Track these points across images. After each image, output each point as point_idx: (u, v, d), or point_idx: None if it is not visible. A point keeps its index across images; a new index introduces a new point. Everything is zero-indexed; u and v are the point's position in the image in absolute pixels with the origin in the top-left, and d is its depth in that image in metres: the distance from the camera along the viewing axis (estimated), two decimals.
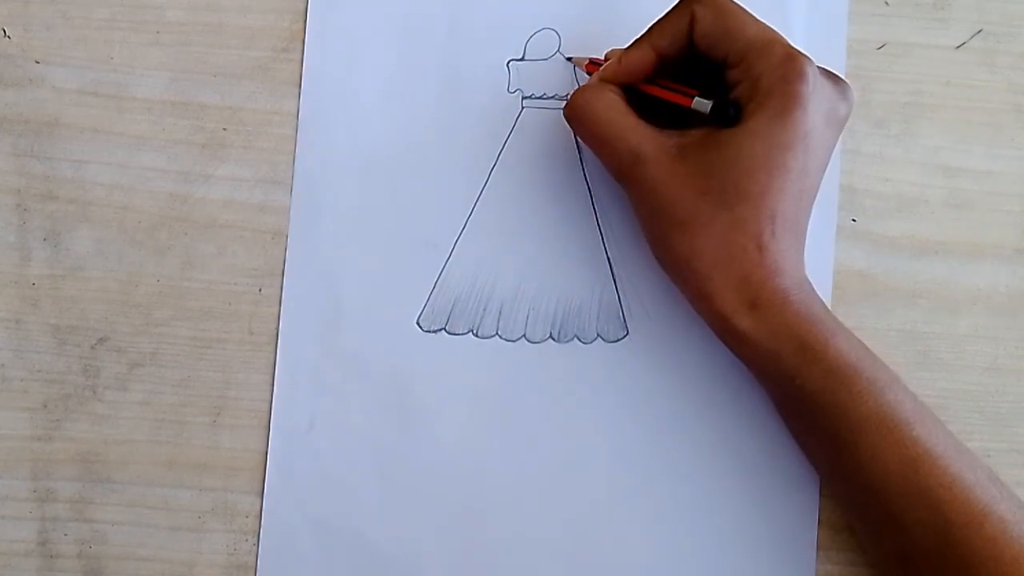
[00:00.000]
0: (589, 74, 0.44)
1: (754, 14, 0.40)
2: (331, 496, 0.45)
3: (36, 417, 0.45)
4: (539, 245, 0.46)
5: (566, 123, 0.42)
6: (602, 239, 0.46)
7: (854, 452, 0.38)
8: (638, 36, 0.41)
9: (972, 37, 0.47)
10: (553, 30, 0.46)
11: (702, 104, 0.40)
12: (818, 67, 0.39)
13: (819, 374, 0.38)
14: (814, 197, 0.40)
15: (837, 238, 0.46)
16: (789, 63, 0.38)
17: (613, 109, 0.40)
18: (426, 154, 0.46)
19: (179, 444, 0.45)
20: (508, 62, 0.46)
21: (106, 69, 0.46)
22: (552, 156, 0.46)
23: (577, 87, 0.44)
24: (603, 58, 0.44)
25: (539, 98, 0.46)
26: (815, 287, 0.41)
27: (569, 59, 0.46)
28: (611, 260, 0.46)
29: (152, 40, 0.47)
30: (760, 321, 0.38)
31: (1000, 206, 0.46)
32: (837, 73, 0.41)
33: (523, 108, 0.46)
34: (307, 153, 0.46)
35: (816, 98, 0.38)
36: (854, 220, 0.46)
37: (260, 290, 0.46)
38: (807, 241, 0.41)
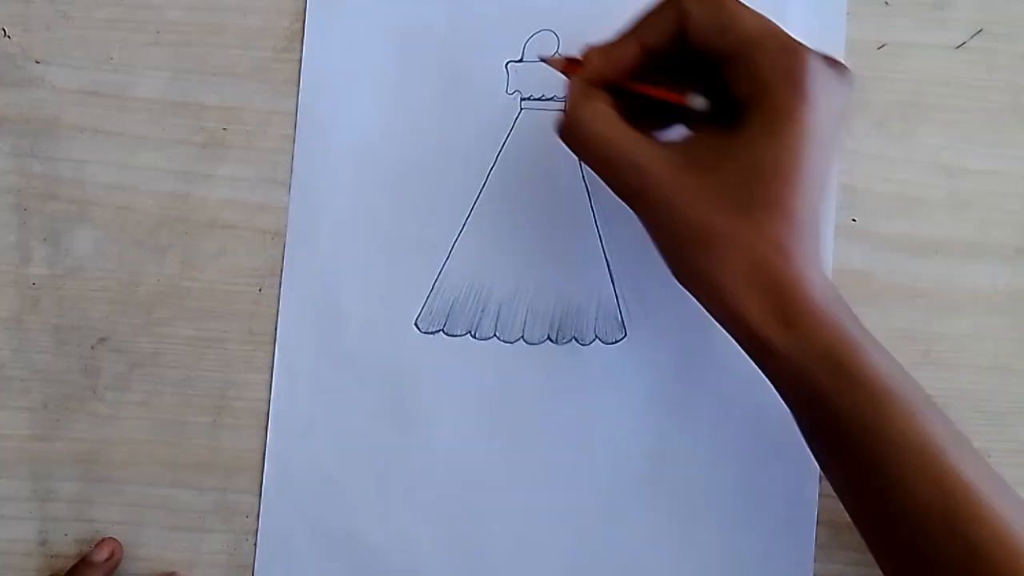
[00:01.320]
0: (565, 73, 0.42)
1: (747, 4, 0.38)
2: (329, 497, 0.45)
3: (36, 417, 0.45)
4: (537, 246, 0.46)
5: (563, 139, 0.40)
6: (600, 241, 0.46)
7: (884, 476, 0.36)
8: (622, 30, 0.39)
9: (972, 37, 0.47)
10: (552, 31, 0.46)
11: (698, 101, 0.38)
12: (818, 54, 0.37)
13: (851, 395, 0.36)
14: (826, 191, 0.38)
15: (837, 238, 0.46)
16: (791, 57, 0.36)
17: (609, 125, 0.38)
18: (424, 155, 0.46)
19: (179, 444, 0.45)
20: (507, 63, 0.46)
21: (106, 69, 0.46)
22: (550, 157, 0.46)
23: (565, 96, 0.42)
24: (580, 57, 0.42)
25: (537, 99, 0.46)
26: None
27: (544, 60, 0.43)
28: (609, 262, 0.46)
29: (152, 40, 0.47)
30: (792, 338, 0.36)
31: (1000, 206, 0.46)
32: (836, 58, 0.38)
33: (521, 109, 0.46)
34: (305, 153, 0.46)
35: (821, 90, 0.36)
36: (854, 220, 0.46)
37: (260, 290, 0.46)
38: None
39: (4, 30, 0.47)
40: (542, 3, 0.46)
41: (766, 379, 0.38)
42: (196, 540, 0.45)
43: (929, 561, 0.35)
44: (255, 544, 0.45)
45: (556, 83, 0.46)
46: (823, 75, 0.36)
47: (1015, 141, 0.46)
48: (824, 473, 0.40)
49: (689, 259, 0.38)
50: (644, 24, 0.39)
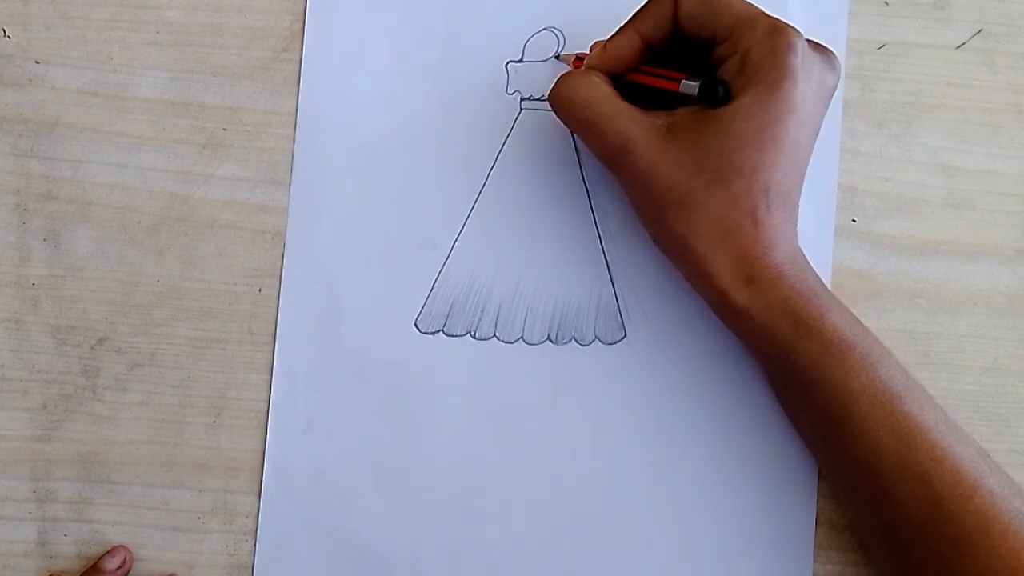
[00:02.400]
0: (575, 67, 0.44)
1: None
2: (328, 497, 0.45)
3: (36, 417, 0.45)
4: (537, 247, 0.46)
5: (553, 109, 0.42)
6: (600, 241, 0.46)
7: (846, 426, 0.38)
8: (621, 24, 0.41)
9: (972, 37, 0.47)
10: (552, 31, 0.46)
11: (690, 86, 0.39)
12: (806, 39, 0.39)
13: (813, 348, 0.38)
14: (805, 169, 0.40)
15: (837, 238, 0.46)
16: (777, 35, 0.38)
17: (598, 93, 0.40)
18: (424, 155, 0.46)
19: (179, 444, 0.45)
20: (507, 63, 0.46)
21: (106, 69, 0.46)
22: (550, 158, 0.46)
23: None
24: (589, 51, 0.43)
25: (538, 99, 0.46)
26: None
27: (557, 57, 0.46)
28: (609, 262, 0.46)
29: (152, 40, 0.47)
30: (756, 295, 0.38)
31: (1000, 206, 0.46)
32: (823, 44, 0.41)
33: (521, 110, 0.46)
34: (305, 153, 0.46)
35: (805, 69, 0.38)
36: (854, 220, 0.46)
37: (260, 290, 0.46)
38: (808, 241, 0.41)
39: (4, 30, 0.46)
40: (542, 3, 0.46)
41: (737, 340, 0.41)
42: (195, 541, 0.45)
43: (889, 500, 0.38)
44: (254, 545, 0.45)
45: None
46: (808, 56, 0.38)
47: (1015, 141, 0.46)
48: (794, 426, 0.43)
49: (665, 220, 0.39)
50: (641, 16, 0.41)
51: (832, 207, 0.46)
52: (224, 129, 0.46)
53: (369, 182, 0.46)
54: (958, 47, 0.47)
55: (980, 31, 0.47)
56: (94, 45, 0.47)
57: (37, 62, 0.46)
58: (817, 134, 0.40)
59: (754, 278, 0.38)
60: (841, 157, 0.46)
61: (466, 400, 0.45)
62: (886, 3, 0.47)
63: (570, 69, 0.45)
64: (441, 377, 0.45)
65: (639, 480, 0.45)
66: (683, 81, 0.40)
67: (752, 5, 0.39)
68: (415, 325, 0.45)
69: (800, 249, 0.40)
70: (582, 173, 0.46)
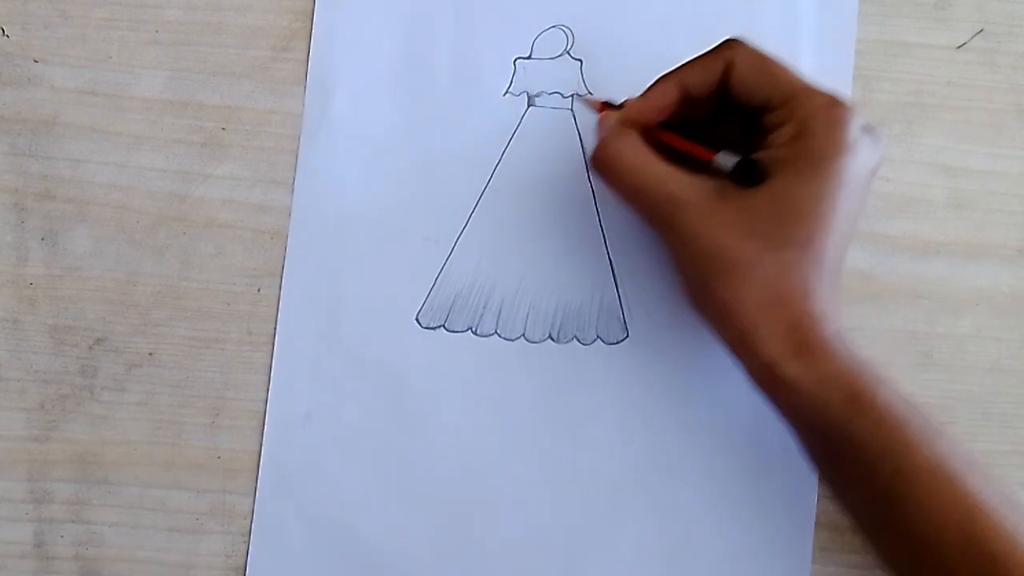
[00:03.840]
0: (600, 111, 0.43)
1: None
2: (325, 491, 0.44)
3: (33, 418, 0.45)
4: (541, 244, 0.46)
5: (595, 173, 0.41)
6: (604, 240, 0.45)
7: (907, 504, 0.36)
8: (664, 73, 0.41)
9: (973, 37, 0.47)
10: (561, 29, 0.46)
11: (725, 162, 0.39)
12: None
13: (869, 424, 0.36)
14: (852, 240, 0.40)
15: None
16: (837, 108, 0.38)
17: (643, 157, 0.40)
18: (430, 150, 0.46)
19: (177, 445, 0.45)
20: (515, 60, 0.46)
21: (105, 68, 0.46)
22: (556, 155, 0.46)
23: (597, 127, 0.43)
24: (616, 103, 0.43)
25: (545, 96, 0.46)
26: None
27: (579, 98, 0.45)
28: (612, 261, 0.45)
29: (151, 39, 0.46)
30: (808, 368, 0.37)
31: (1002, 206, 0.46)
32: (868, 121, 0.40)
33: (529, 107, 0.46)
34: (310, 148, 0.46)
35: (859, 144, 0.38)
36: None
37: (259, 290, 0.46)
38: None
39: (2, 29, 0.46)
40: (550, 0, 0.46)
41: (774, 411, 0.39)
42: (193, 542, 0.45)
43: None
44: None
45: (564, 81, 0.46)
46: (862, 131, 0.38)
47: (1016, 141, 0.46)
48: (839, 500, 0.40)
49: (710, 286, 0.38)
50: (688, 68, 0.40)
51: None
52: (223, 129, 0.46)
53: (374, 176, 0.46)
54: (959, 47, 0.47)
55: (981, 31, 0.47)
56: (93, 44, 0.46)
57: (36, 61, 0.46)
58: (863, 211, 0.40)
59: (805, 350, 0.37)
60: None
61: (466, 396, 0.45)
62: (887, 3, 0.47)
63: (592, 110, 0.44)
64: (441, 373, 0.45)
65: (639, 480, 0.44)
66: (719, 154, 0.39)
67: (804, 77, 0.39)
68: (416, 320, 0.45)
69: (842, 322, 0.39)
70: (588, 171, 0.46)
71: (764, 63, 0.39)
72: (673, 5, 0.47)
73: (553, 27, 0.46)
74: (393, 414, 0.45)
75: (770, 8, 0.46)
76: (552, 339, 0.45)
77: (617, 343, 0.45)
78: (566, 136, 0.46)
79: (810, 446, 0.40)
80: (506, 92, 0.46)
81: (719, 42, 0.40)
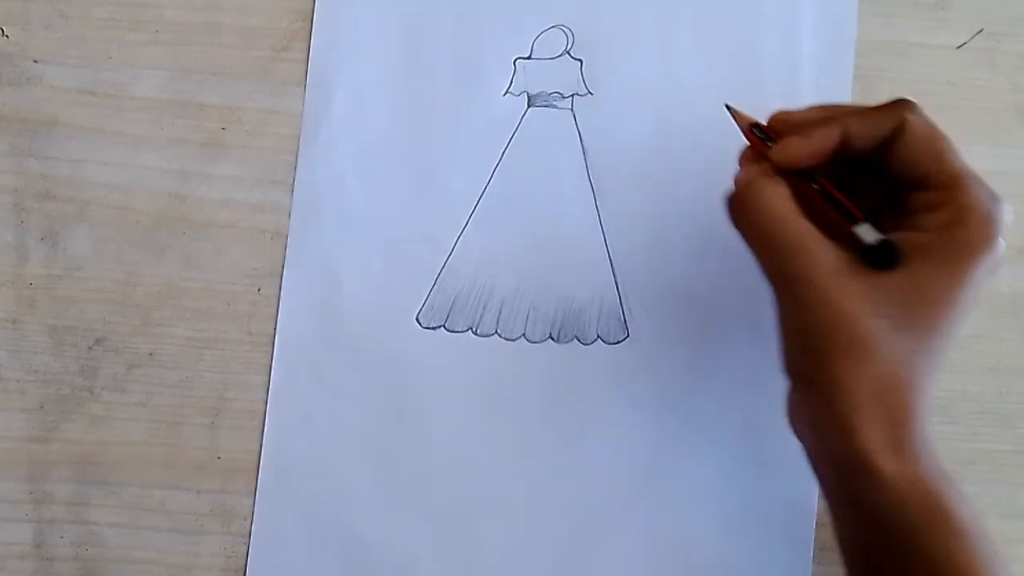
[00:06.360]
0: (747, 136, 0.40)
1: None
2: (325, 491, 0.44)
3: (33, 418, 0.45)
4: (541, 244, 0.46)
5: (729, 213, 0.38)
6: (604, 240, 0.45)
7: None
8: (826, 113, 0.38)
9: (973, 37, 0.47)
10: (561, 29, 0.46)
11: (864, 235, 0.36)
12: None
13: (945, 536, 0.35)
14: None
15: None
16: (996, 204, 0.36)
17: (787, 208, 0.36)
18: (430, 150, 0.46)
19: (177, 446, 0.45)
20: (515, 60, 0.46)
21: (104, 68, 0.46)
22: (556, 155, 0.46)
23: (740, 159, 0.40)
24: (765, 123, 0.40)
25: (545, 96, 0.46)
26: None
27: (727, 108, 0.41)
28: (613, 261, 0.45)
29: (151, 39, 0.46)
30: (904, 466, 0.35)
31: None
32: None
33: (529, 106, 0.46)
34: (310, 147, 0.46)
35: (1000, 243, 0.36)
36: None
37: (259, 290, 0.46)
38: None
39: (2, 29, 0.46)
40: (550, 0, 0.46)
41: (834, 501, 0.37)
42: (193, 543, 0.45)
43: None
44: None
45: (564, 81, 0.46)
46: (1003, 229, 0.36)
47: (1016, 141, 0.46)
48: None
49: (826, 358, 0.36)
50: (858, 118, 0.37)
51: None
52: (223, 129, 0.46)
53: (374, 176, 0.46)
54: (959, 47, 0.47)
55: (981, 31, 0.47)
56: (93, 44, 0.46)
57: (35, 61, 0.46)
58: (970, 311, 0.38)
59: (902, 448, 0.35)
60: None
61: (466, 396, 0.45)
62: (887, 3, 0.47)
63: (743, 149, 0.41)
64: (442, 373, 0.45)
65: (639, 479, 0.44)
66: (863, 226, 0.36)
67: (968, 165, 0.37)
68: (416, 320, 0.45)
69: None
70: (588, 171, 0.46)
71: (937, 138, 0.37)
72: (673, 5, 0.47)
73: (553, 27, 0.46)
74: (393, 414, 0.45)
75: (770, 8, 0.46)
76: (552, 339, 0.45)
77: (617, 343, 0.45)
78: (566, 136, 0.46)
79: (863, 542, 0.37)
80: (506, 92, 0.46)
81: (891, 99, 0.37)
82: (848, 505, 0.37)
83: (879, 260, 0.35)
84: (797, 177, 0.37)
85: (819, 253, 0.36)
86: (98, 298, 0.45)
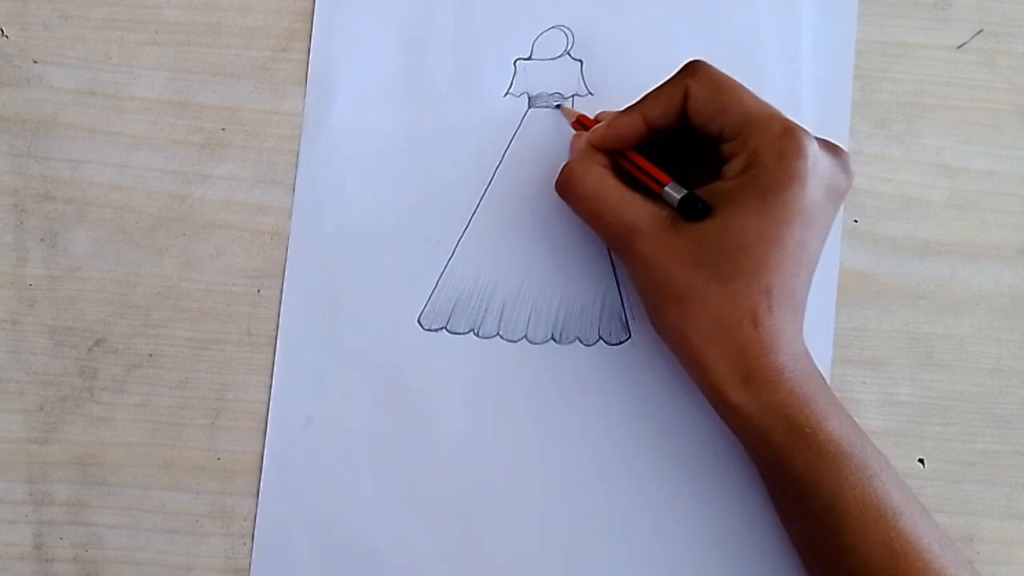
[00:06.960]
0: (574, 128, 0.44)
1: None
2: (327, 494, 0.44)
3: (32, 419, 0.45)
4: (543, 245, 0.45)
5: (559, 193, 0.42)
6: None
7: (837, 538, 0.37)
8: (631, 104, 0.41)
9: (973, 37, 0.47)
10: (561, 30, 0.46)
11: (671, 196, 0.39)
12: (818, 139, 0.38)
13: (808, 456, 0.37)
14: (813, 269, 0.40)
15: (839, 239, 0.45)
16: (787, 138, 0.37)
17: (604, 183, 0.40)
18: (431, 152, 0.46)
19: (177, 446, 0.45)
20: (515, 61, 0.46)
21: (104, 69, 0.46)
22: (557, 156, 0.45)
23: (570, 146, 0.44)
24: (593, 119, 0.44)
25: (545, 97, 0.46)
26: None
27: (558, 107, 0.46)
28: (615, 262, 0.45)
29: (150, 39, 0.46)
30: (752, 396, 0.38)
31: (1002, 206, 0.46)
32: (837, 144, 0.40)
33: (529, 107, 0.46)
34: (311, 148, 0.46)
35: (815, 173, 0.38)
36: (856, 221, 0.46)
37: (259, 291, 0.45)
38: None
39: (2, 29, 0.46)
40: (550, 1, 0.46)
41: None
42: (193, 544, 0.45)
43: None
44: (253, 547, 0.44)
45: (564, 81, 0.46)
46: (819, 158, 0.38)
47: (1017, 141, 0.46)
48: (784, 527, 0.42)
49: (664, 312, 0.39)
50: (649, 101, 0.41)
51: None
52: (223, 129, 0.46)
53: (374, 178, 0.46)
54: (959, 47, 0.47)
55: (981, 31, 0.47)
56: (92, 45, 0.46)
57: (35, 62, 0.46)
58: (827, 235, 0.40)
59: (751, 378, 0.38)
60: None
61: (468, 398, 0.45)
62: (887, 3, 0.47)
63: (572, 136, 0.44)
64: (443, 375, 0.45)
65: (640, 481, 0.44)
66: (666, 187, 0.40)
67: (764, 104, 0.39)
68: (418, 322, 0.45)
69: (806, 352, 0.40)
70: None
71: (718, 91, 0.39)
72: (673, 5, 0.47)
73: (553, 28, 0.46)
74: (395, 416, 0.45)
75: (770, 8, 0.46)
76: (554, 340, 0.45)
77: (620, 344, 0.45)
78: (567, 137, 0.45)
79: (758, 470, 0.41)
80: (506, 93, 0.46)
81: (681, 65, 0.40)
82: (736, 436, 0.40)
83: (692, 214, 0.39)
84: (613, 155, 0.41)
85: (636, 220, 0.39)
86: (98, 299, 0.45)
